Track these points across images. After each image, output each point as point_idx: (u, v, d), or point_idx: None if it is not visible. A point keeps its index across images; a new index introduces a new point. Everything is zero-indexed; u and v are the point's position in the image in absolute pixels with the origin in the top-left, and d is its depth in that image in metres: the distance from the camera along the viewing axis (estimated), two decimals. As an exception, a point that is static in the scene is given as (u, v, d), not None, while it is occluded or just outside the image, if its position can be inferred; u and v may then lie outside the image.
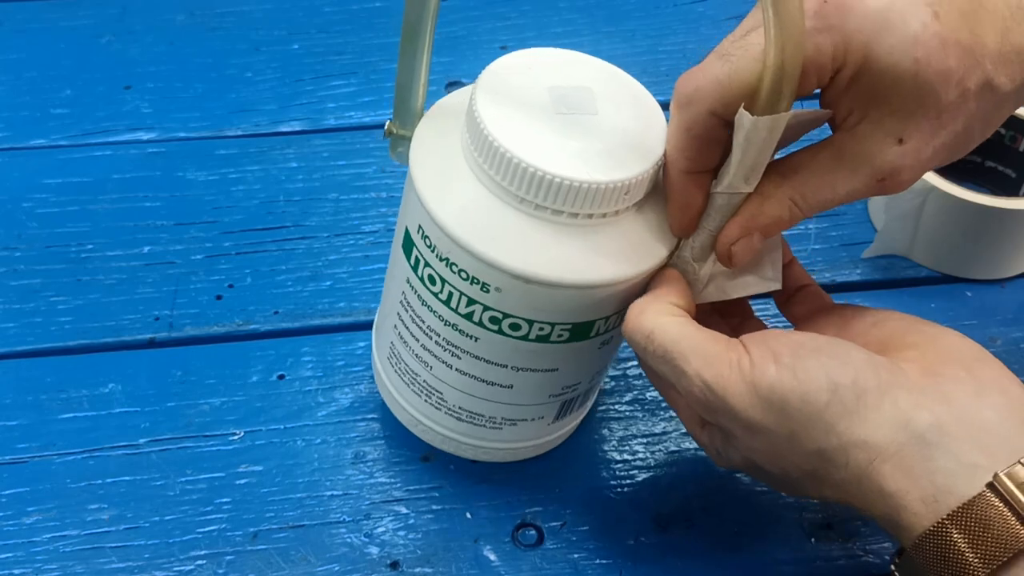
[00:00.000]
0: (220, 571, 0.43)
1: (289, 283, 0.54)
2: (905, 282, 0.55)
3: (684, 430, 0.48)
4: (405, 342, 0.42)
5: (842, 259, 0.56)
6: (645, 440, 0.48)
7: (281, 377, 0.50)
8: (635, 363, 0.51)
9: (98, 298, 0.53)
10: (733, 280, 0.39)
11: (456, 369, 0.40)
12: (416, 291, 0.39)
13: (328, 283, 0.54)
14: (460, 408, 0.42)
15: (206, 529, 0.44)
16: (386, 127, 0.39)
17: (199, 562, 0.43)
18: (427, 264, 0.38)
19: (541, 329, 0.38)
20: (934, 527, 0.33)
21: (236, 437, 0.47)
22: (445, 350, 0.40)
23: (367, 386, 0.49)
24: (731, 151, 0.35)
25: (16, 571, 0.43)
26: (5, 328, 0.52)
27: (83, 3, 0.70)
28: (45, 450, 0.47)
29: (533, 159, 0.34)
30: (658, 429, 0.48)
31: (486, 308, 0.37)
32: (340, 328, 0.52)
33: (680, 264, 0.38)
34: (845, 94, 0.34)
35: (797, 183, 0.36)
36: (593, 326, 0.38)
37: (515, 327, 0.38)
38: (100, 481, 0.46)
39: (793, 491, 0.39)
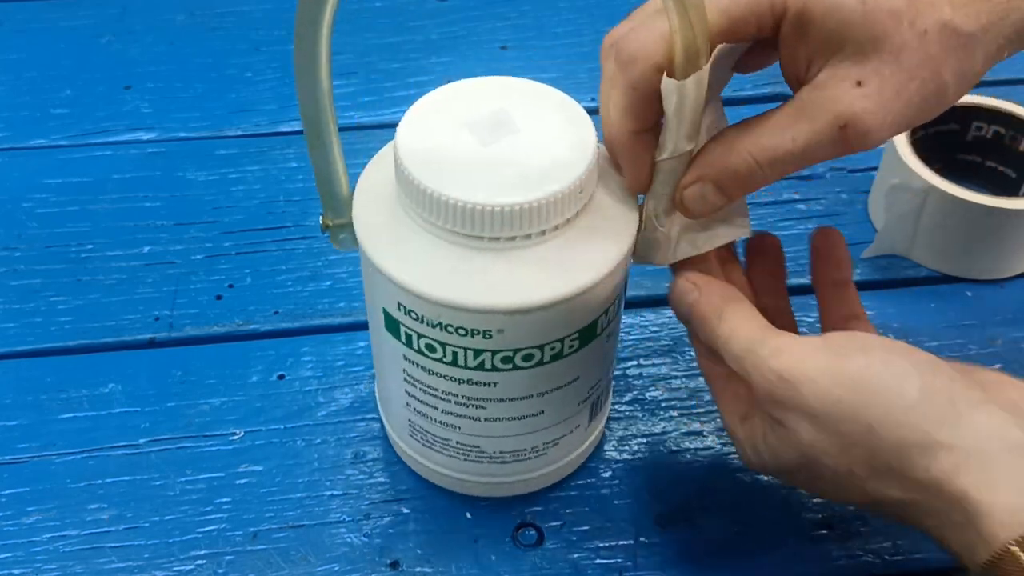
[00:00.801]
0: (220, 571, 0.43)
1: (289, 283, 0.54)
2: (905, 282, 0.55)
3: (684, 430, 0.48)
4: (424, 415, 0.41)
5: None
6: (645, 440, 0.48)
7: (281, 377, 0.50)
8: (635, 363, 0.51)
9: (98, 298, 0.53)
10: (704, 232, 0.39)
11: (484, 419, 0.40)
12: (418, 364, 0.39)
13: (328, 283, 0.54)
14: (501, 452, 0.42)
15: (206, 529, 0.44)
16: (321, 222, 0.39)
17: (199, 562, 0.43)
18: (420, 336, 0.37)
19: (553, 348, 0.38)
20: (1021, 538, 0.31)
21: (236, 437, 0.47)
22: (468, 406, 0.40)
23: (367, 386, 0.49)
24: (666, 119, 0.35)
25: (16, 571, 0.43)
26: (5, 328, 0.52)
27: (83, 3, 0.71)
28: (45, 450, 0.47)
29: (477, 197, 0.34)
30: (658, 429, 0.48)
31: (495, 352, 0.37)
32: (340, 328, 0.52)
33: (648, 232, 0.39)
34: (800, 44, 0.34)
35: (755, 135, 0.35)
36: (597, 324, 0.39)
37: (528, 357, 0.38)
38: (100, 481, 0.46)
39: (845, 494, 0.37)
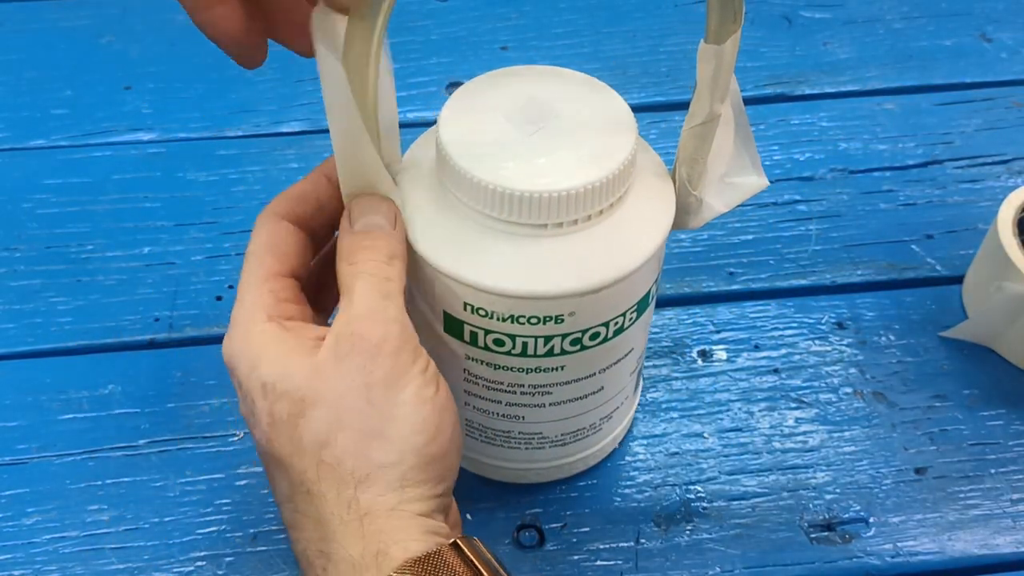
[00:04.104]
0: (220, 572, 0.43)
1: (289, 284, 0.54)
2: (906, 282, 0.55)
3: (685, 431, 0.48)
4: (485, 411, 0.41)
5: (843, 260, 0.56)
6: (645, 440, 0.48)
7: (281, 378, 0.50)
8: (635, 364, 0.51)
9: (98, 299, 0.53)
10: (729, 190, 0.40)
11: (550, 404, 0.40)
12: (484, 361, 0.39)
13: (328, 284, 0.54)
14: (561, 435, 0.42)
15: (206, 530, 0.44)
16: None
17: (199, 563, 0.43)
18: (488, 332, 0.37)
19: (616, 323, 0.38)
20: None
21: (236, 438, 0.47)
22: (535, 395, 0.40)
23: (367, 387, 0.49)
24: (698, 86, 0.36)
25: (16, 572, 0.43)
26: (5, 328, 0.52)
27: (83, 3, 0.70)
28: (45, 451, 0.47)
29: (537, 185, 0.34)
30: (658, 430, 0.48)
31: (565, 336, 0.37)
32: (340, 329, 0.52)
33: (682, 199, 0.39)
34: None
35: None
36: (649, 294, 0.40)
37: (595, 336, 0.38)
38: (100, 482, 0.46)
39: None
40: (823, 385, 0.50)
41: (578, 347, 0.38)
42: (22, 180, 0.59)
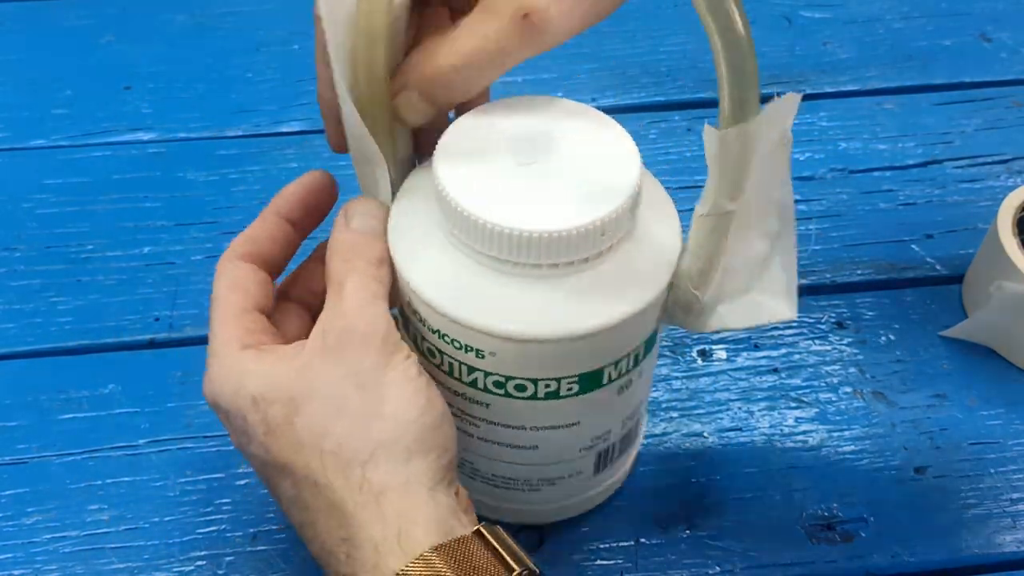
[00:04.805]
0: (220, 572, 0.43)
1: (289, 283, 0.54)
2: (906, 282, 0.55)
3: (685, 431, 0.48)
4: None
5: (843, 260, 0.56)
6: (646, 441, 0.48)
7: (281, 378, 0.50)
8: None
9: (98, 298, 0.53)
10: (743, 308, 0.37)
11: (477, 438, 0.39)
12: (424, 363, 0.37)
13: (328, 283, 0.54)
14: (494, 475, 0.41)
15: (206, 530, 0.44)
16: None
17: (199, 563, 0.43)
18: (423, 338, 0.37)
19: (547, 386, 0.36)
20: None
21: (236, 438, 0.47)
22: (463, 420, 0.38)
23: (367, 387, 0.49)
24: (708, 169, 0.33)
25: (16, 572, 0.43)
26: (5, 328, 0.52)
27: (83, 3, 0.71)
28: (45, 450, 0.47)
29: (494, 216, 0.33)
30: (658, 430, 0.48)
31: (487, 373, 0.36)
32: (340, 328, 0.52)
33: (679, 293, 0.37)
34: None
35: (450, 39, 0.34)
36: (603, 374, 0.36)
37: (520, 388, 0.36)
38: (100, 482, 0.46)
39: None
40: (823, 385, 0.50)
41: (502, 391, 0.36)
42: (22, 180, 0.59)
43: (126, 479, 0.46)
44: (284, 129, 0.63)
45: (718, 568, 0.43)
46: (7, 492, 0.45)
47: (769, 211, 0.36)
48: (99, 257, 0.55)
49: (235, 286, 0.37)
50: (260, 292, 0.38)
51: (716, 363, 0.51)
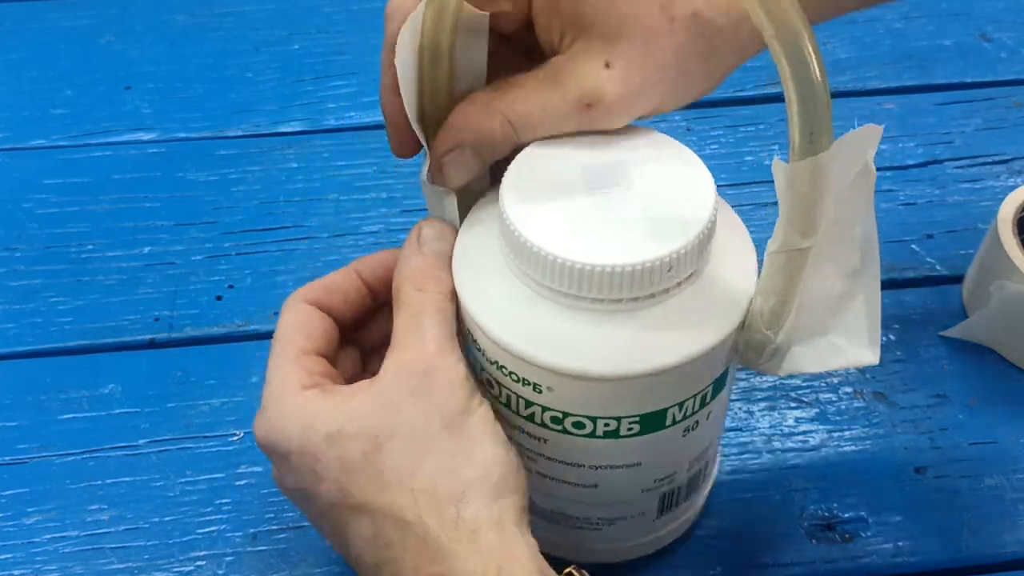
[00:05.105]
0: (220, 572, 0.43)
1: (289, 283, 0.54)
2: (906, 282, 0.55)
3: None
4: None
5: (843, 260, 0.56)
6: (645, 441, 0.48)
7: (281, 378, 0.50)
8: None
9: (98, 298, 0.53)
10: (821, 350, 0.36)
11: (536, 472, 0.38)
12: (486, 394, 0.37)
13: (328, 283, 0.54)
14: (552, 511, 0.39)
15: (206, 530, 0.44)
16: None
17: (199, 563, 0.43)
18: (482, 368, 0.36)
19: (607, 425, 0.35)
20: None
21: (236, 438, 0.47)
22: (521, 454, 0.36)
23: (367, 387, 0.49)
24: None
25: (16, 572, 0.43)
26: (5, 328, 0.52)
27: (83, 3, 0.71)
28: (45, 450, 0.47)
29: (561, 250, 0.32)
30: (658, 430, 0.48)
31: (545, 408, 0.35)
32: (340, 328, 0.52)
33: (751, 334, 0.35)
34: (554, 17, 0.34)
35: (509, 98, 0.34)
36: (666, 415, 0.35)
37: (579, 425, 0.35)
38: (100, 482, 0.46)
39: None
40: (823, 385, 0.50)
41: (560, 427, 0.35)
42: (22, 180, 0.59)
43: (126, 479, 0.46)
44: (284, 129, 0.63)
45: (719, 568, 0.43)
46: (7, 492, 0.45)
47: (848, 247, 0.34)
48: (99, 257, 0.55)
49: (299, 328, 0.36)
50: (325, 338, 0.37)
51: (716, 363, 0.51)
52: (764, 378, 0.50)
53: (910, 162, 0.61)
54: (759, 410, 0.49)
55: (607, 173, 0.34)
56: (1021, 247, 0.50)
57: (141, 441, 0.47)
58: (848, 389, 0.50)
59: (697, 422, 0.36)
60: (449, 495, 0.33)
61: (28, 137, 0.62)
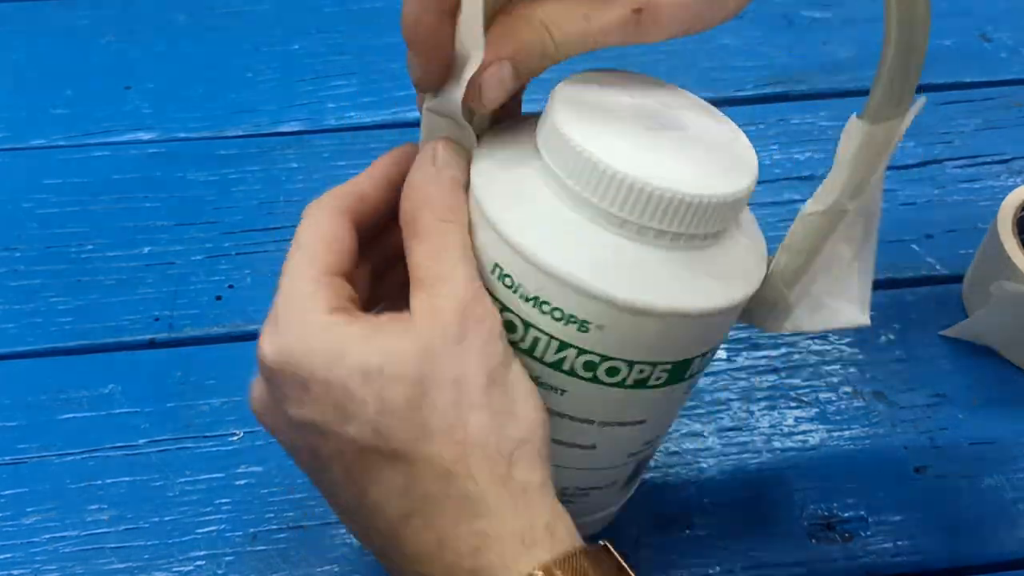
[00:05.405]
0: (220, 572, 0.43)
1: (289, 283, 0.54)
2: (906, 282, 0.55)
3: (685, 430, 0.48)
4: None
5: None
6: (645, 441, 0.48)
7: (281, 377, 0.50)
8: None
9: (98, 298, 0.53)
10: (822, 309, 0.36)
11: None
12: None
13: (328, 283, 0.54)
14: None
15: (205, 530, 0.44)
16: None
17: (199, 563, 0.43)
18: (504, 309, 0.33)
19: (641, 371, 0.33)
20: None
21: (236, 438, 0.47)
22: None
23: (367, 386, 0.49)
24: (835, 165, 0.32)
25: (15, 572, 0.43)
26: (5, 328, 0.52)
27: (83, 3, 0.71)
28: (45, 450, 0.47)
29: (639, 174, 0.30)
30: (658, 430, 0.48)
31: (580, 352, 0.32)
32: (340, 328, 0.52)
33: (769, 289, 0.35)
34: None
35: (551, 9, 0.32)
36: (691, 364, 0.34)
37: (612, 371, 0.33)
38: (100, 481, 0.46)
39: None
40: (823, 384, 0.50)
41: (590, 375, 0.33)
42: (22, 180, 0.59)
43: (126, 479, 0.46)
44: (284, 129, 0.63)
45: (718, 567, 0.43)
46: (7, 492, 0.45)
47: (862, 216, 0.35)
48: (99, 257, 0.55)
49: (329, 242, 0.33)
50: (349, 258, 0.34)
51: (716, 362, 0.51)
52: (764, 378, 0.50)
53: (910, 162, 0.61)
54: (759, 410, 0.49)
55: (660, 113, 0.33)
56: (1021, 247, 0.50)
57: (141, 441, 0.47)
58: (848, 388, 0.50)
59: (696, 381, 0.36)
60: (499, 452, 0.31)
61: (28, 137, 0.62)
